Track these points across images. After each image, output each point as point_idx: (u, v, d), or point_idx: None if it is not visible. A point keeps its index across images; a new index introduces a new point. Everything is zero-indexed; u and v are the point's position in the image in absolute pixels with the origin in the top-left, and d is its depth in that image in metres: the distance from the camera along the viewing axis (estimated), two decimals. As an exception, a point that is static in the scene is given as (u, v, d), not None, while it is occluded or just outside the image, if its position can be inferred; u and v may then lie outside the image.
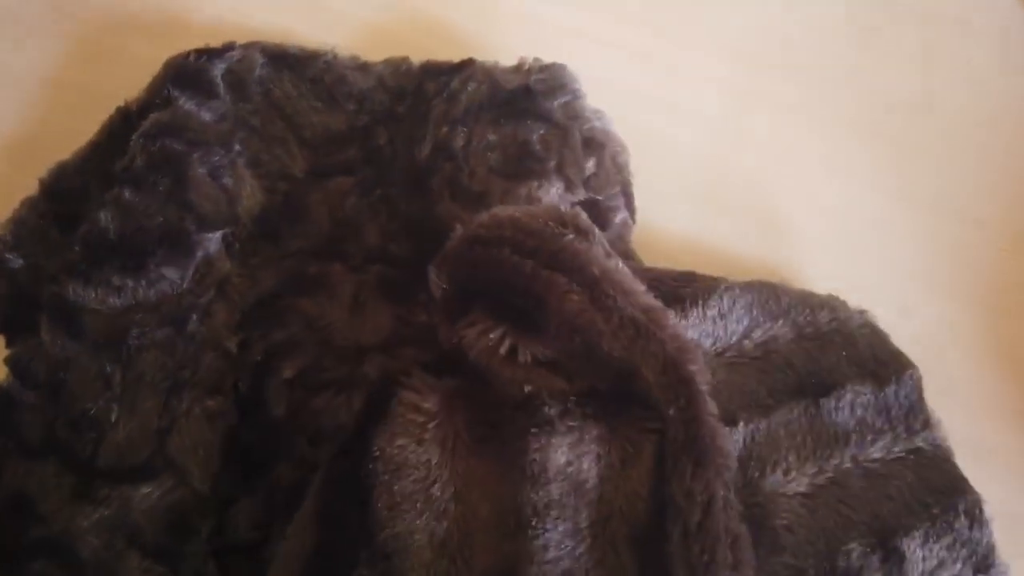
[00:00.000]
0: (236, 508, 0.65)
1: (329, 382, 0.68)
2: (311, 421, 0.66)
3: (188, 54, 0.71)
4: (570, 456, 0.52)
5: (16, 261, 0.70)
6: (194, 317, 0.66)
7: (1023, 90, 0.79)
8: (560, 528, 0.52)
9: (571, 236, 0.54)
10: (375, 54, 0.76)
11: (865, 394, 0.62)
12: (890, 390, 0.63)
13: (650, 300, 0.53)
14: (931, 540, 0.58)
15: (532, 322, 0.55)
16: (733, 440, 0.54)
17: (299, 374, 0.68)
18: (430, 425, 0.54)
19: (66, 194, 0.71)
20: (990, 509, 0.60)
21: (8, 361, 0.66)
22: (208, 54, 0.71)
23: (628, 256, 0.68)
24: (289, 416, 0.67)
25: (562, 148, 0.67)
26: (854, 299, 0.68)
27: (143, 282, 0.65)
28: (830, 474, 0.59)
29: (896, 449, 0.61)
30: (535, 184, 0.66)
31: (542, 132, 0.68)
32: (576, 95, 0.69)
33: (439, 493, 0.53)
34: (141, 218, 0.66)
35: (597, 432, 0.52)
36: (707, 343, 0.63)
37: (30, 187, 0.72)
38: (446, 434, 0.54)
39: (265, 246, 0.71)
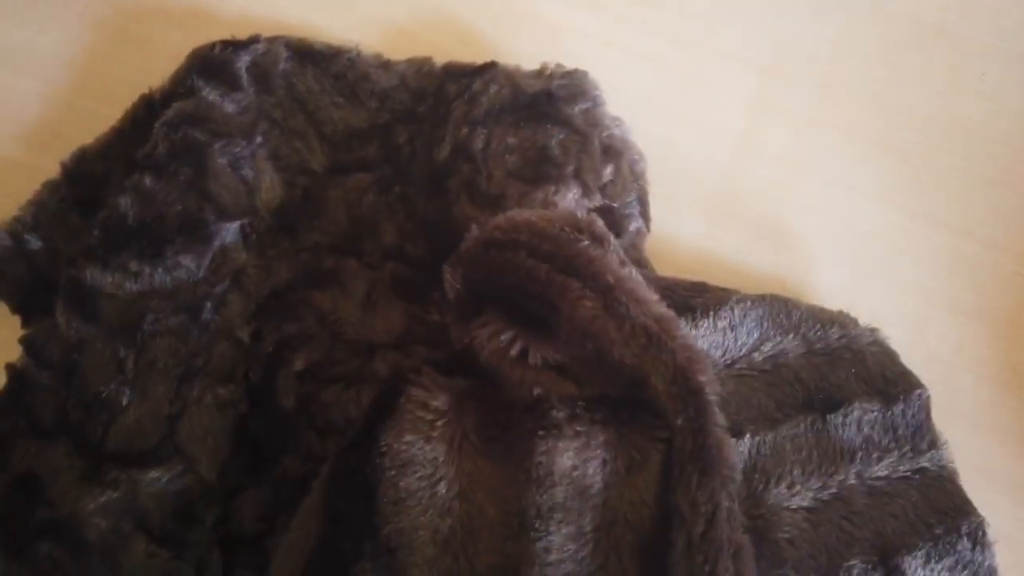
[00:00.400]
0: (242, 498, 0.66)
1: (339, 376, 0.68)
2: (320, 414, 0.67)
3: (213, 45, 0.72)
4: (576, 460, 0.52)
5: (35, 243, 0.71)
6: (209, 306, 0.67)
7: (1044, 114, 0.79)
8: (563, 531, 0.52)
9: (586, 242, 0.55)
10: (398, 54, 0.77)
11: (873, 412, 0.62)
12: (898, 408, 0.63)
13: (662, 309, 0.53)
14: (933, 560, 0.58)
15: (544, 326, 0.55)
16: (739, 452, 0.55)
17: (309, 367, 0.68)
18: (439, 423, 0.54)
19: (87, 179, 0.72)
20: (993, 532, 0.60)
21: (23, 341, 0.67)
22: (233, 46, 0.72)
23: (641, 264, 0.68)
24: (298, 409, 0.68)
25: (581, 154, 0.68)
26: (865, 317, 0.68)
27: (160, 269, 0.66)
28: (834, 490, 0.59)
29: (901, 468, 0.61)
30: (552, 189, 0.66)
31: (561, 137, 0.68)
32: (596, 102, 0.69)
33: (444, 491, 0.54)
34: (161, 205, 0.67)
35: (604, 438, 0.52)
36: (717, 354, 0.63)
37: (51, 171, 0.73)
38: (454, 433, 0.54)
39: (282, 239, 0.72)
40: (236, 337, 0.68)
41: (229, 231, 0.69)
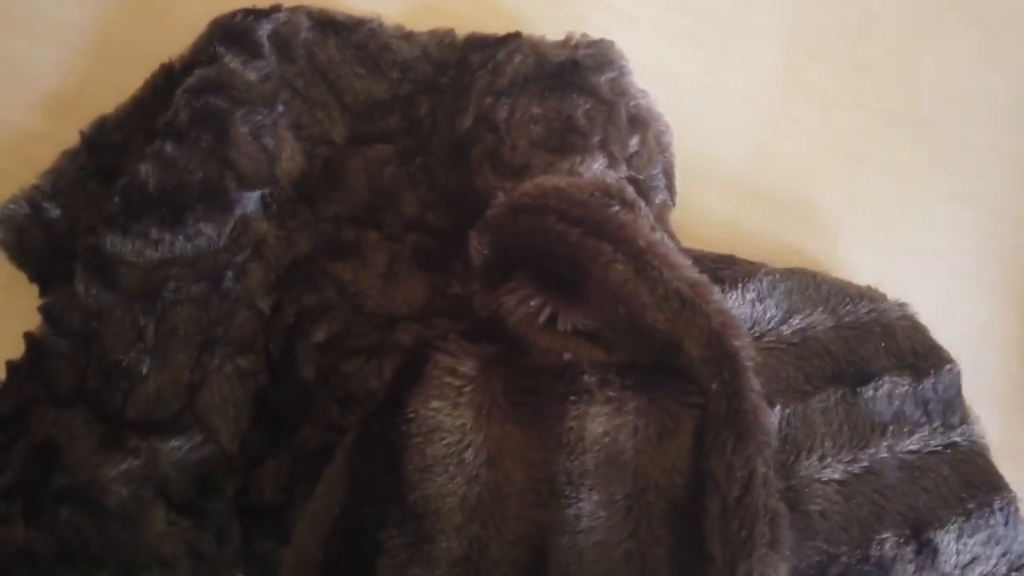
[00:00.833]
0: (261, 469, 0.65)
1: (360, 348, 0.67)
2: (341, 386, 0.66)
3: (235, 13, 0.71)
4: (607, 426, 0.51)
5: (53, 211, 0.70)
6: (230, 275, 0.66)
7: (1076, 92, 0.78)
8: (594, 498, 0.51)
9: (617, 207, 0.54)
10: (419, 26, 0.76)
11: (903, 385, 0.62)
12: (928, 383, 0.62)
13: (695, 274, 0.52)
14: (966, 535, 0.57)
15: (573, 291, 0.54)
16: (774, 418, 0.54)
17: (330, 339, 0.68)
18: (466, 389, 0.54)
19: (107, 147, 0.72)
20: (1024, 509, 0.60)
21: (42, 309, 0.66)
22: (255, 14, 0.71)
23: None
24: (319, 380, 0.67)
25: (607, 124, 0.67)
26: (893, 295, 0.67)
27: (180, 237, 0.65)
28: (865, 463, 0.59)
29: (933, 443, 0.61)
30: (578, 159, 0.65)
31: (587, 107, 0.67)
32: (623, 71, 0.68)
33: (471, 457, 0.53)
34: (181, 173, 0.66)
35: (636, 404, 0.51)
36: (745, 327, 0.62)
37: (71, 140, 0.72)
38: (482, 399, 0.53)
39: (302, 209, 0.71)
40: (257, 307, 0.67)
41: (250, 200, 0.68)
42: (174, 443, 0.61)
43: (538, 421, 0.52)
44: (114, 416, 0.63)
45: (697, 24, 0.78)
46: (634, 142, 0.68)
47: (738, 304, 0.61)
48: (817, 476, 0.57)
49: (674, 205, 0.70)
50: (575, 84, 0.68)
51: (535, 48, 0.70)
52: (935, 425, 0.61)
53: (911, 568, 0.56)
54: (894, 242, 0.73)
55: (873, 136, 0.76)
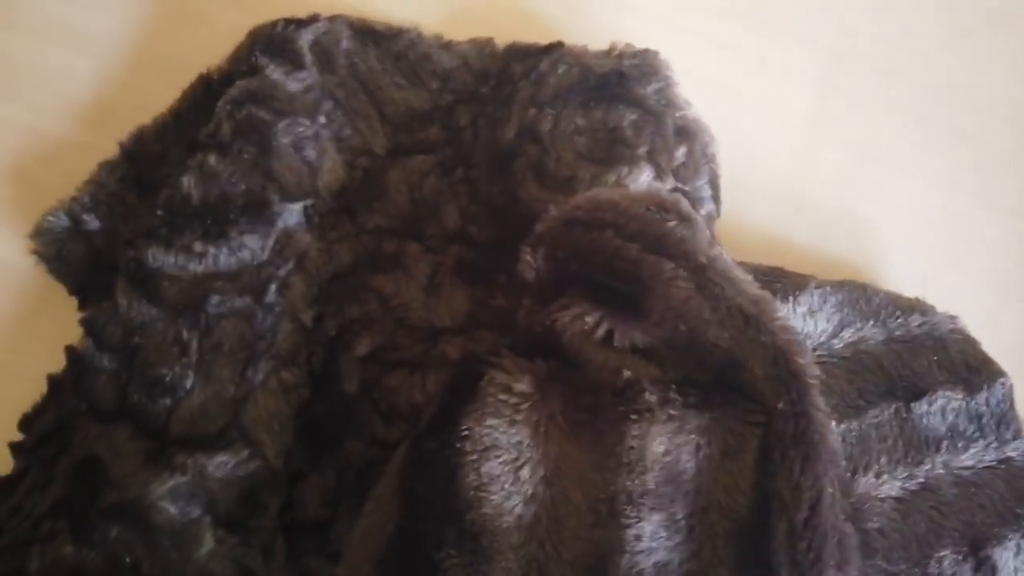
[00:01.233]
0: (304, 484, 0.64)
1: (403, 361, 0.67)
2: (385, 399, 0.66)
3: (275, 23, 0.71)
4: (669, 445, 0.51)
5: (93, 223, 0.69)
6: (273, 288, 0.65)
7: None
8: (655, 518, 0.50)
9: (674, 222, 0.53)
10: (458, 35, 0.75)
11: (956, 400, 0.61)
12: (981, 397, 0.62)
13: (758, 290, 0.51)
14: (1024, 551, 0.57)
15: (629, 307, 0.54)
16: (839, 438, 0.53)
17: (372, 352, 0.67)
18: (523, 407, 0.53)
19: (145, 159, 0.71)
20: (1079, 525, 0.59)
21: (84, 323, 0.66)
22: (295, 23, 0.70)
23: (713, 249, 0.67)
24: (361, 394, 0.66)
25: (654, 135, 0.66)
26: (938, 306, 0.66)
27: (224, 249, 0.65)
28: (922, 479, 0.58)
29: (987, 458, 0.60)
30: (624, 170, 0.65)
31: (634, 118, 0.67)
32: (669, 82, 0.68)
33: (528, 475, 0.52)
34: (224, 185, 0.65)
35: (698, 422, 0.51)
36: (799, 341, 0.62)
37: (107, 151, 0.71)
38: (539, 416, 0.53)
39: (343, 221, 0.70)
40: (300, 320, 0.67)
41: (292, 213, 0.67)
42: (220, 459, 0.61)
43: (597, 440, 0.51)
44: (158, 432, 0.62)
45: (738, 32, 0.77)
46: (680, 153, 0.67)
47: (790, 318, 0.61)
48: (874, 493, 0.57)
49: (719, 216, 0.70)
50: (620, 95, 0.67)
51: (578, 58, 0.69)
52: (989, 440, 0.60)
53: (970, 586, 0.55)
54: (938, 253, 0.72)
55: (916, 145, 0.75)
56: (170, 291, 0.64)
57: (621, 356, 0.53)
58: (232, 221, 0.65)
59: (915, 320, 0.63)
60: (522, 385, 0.54)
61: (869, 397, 0.61)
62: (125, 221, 0.70)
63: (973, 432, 0.60)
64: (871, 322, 0.63)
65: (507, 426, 0.53)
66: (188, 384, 0.63)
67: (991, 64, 0.77)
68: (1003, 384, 0.62)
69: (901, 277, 0.71)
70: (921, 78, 0.77)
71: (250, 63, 0.68)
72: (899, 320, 0.63)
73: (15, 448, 0.65)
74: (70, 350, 0.66)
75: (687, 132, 0.67)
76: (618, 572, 0.50)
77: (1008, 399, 0.62)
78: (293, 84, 0.68)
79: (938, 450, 0.59)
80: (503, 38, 0.74)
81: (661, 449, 0.51)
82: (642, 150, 0.66)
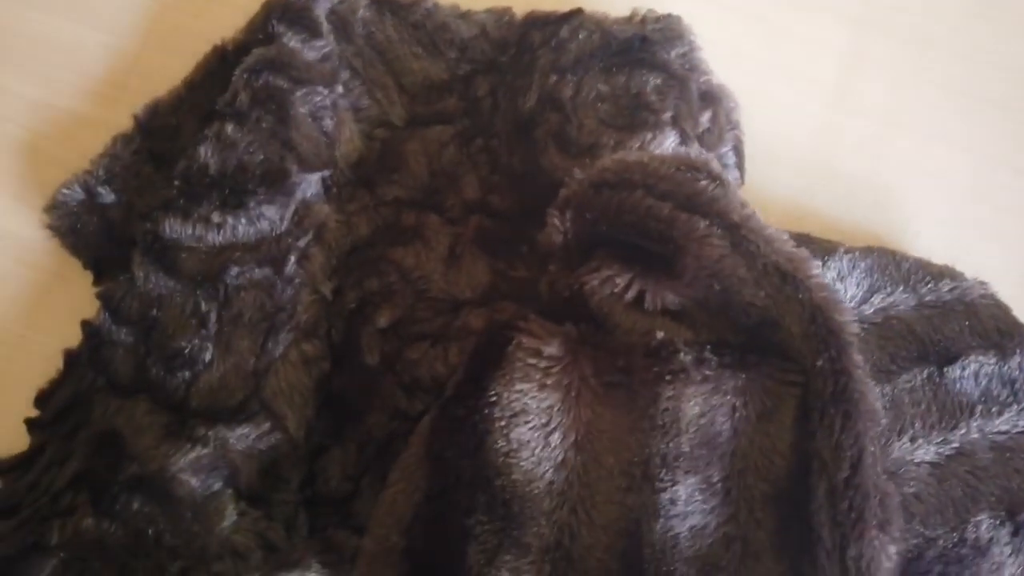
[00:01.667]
0: (327, 458, 0.64)
1: (424, 333, 0.66)
2: (406, 371, 0.64)
3: (291, -8, 0.70)
4: (704, 407, 0.50)
5: (108, 196, 0.68)
6: (292, 259, 0.64)
7: None
8: (690, 482, 0.49)
9: (705, 181, 0.52)
10: (475, 4, 0.74)
11: (989, 365, 0.60)
12: (1014, 362, 0.60)
13: (793, 248, 0.50)
14: (1062, 516, 0.56)
15: (661, 269, 0.53)
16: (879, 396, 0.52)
17: (393, 324, 0.66)
18: (553, 370, 0.52)
19: (160, 132, 0.70)
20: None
21: (100, 296, 0.65)
22: (312, -7, 0.70)
23: (738, 216, 0.66)
24: (383, 366, 0.65)
25: (678, 100, 0.65)
26: (967, 274, 0.65)
27: (243, 220, 0.63)
28: (956, 444, 0.57)
29: (1021, 423, 0.59)
30: (648, 136, 0.64)
31: (658, 83, 0.65)
32: (693, 46, 0.67)
33: (559, 440, 0.51)
34: (242, 155, 0.64)
35: (734, 383, 0.50)
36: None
37: (120, 125, 0.70)
38: (570, 380, 0.52)
39: (361, 193, 0.69)
40: (319, 293, 0.66)
41: (310, 184, 0.66)
42: (242, 431, 0.60)
43: (631, 402, 0.50)
44: (177, 405, 0.61)
45: (762, 2, 0.76)
46: (705, 118, 0.66)
47: (822, 280, 0.60)
48: (909, 458, 0.56)
49: (743, 183, 0.69)
50: (644, 60, 0.66)
51: (599, 24, 0.68)
52: (1023, 405, 0.60)
53: (1008, 550, 0.54)
54: (966, 220, 0.71)
55: (941, 113, 0.74)
56: (188, 263, 0.63)
57: (652, 319, 0.52)
58: (250, 191, 0.64)
59: (945, 285, 0.62)
60: (552, 348, 0.53)
61: (901, 362, 0.60)
62: (140, 194, 0.69)
63: (1007, 397, 0.59)
64: (901, 287, 0.62)
65: (537, 390, 0.52)
66: (207, 356, 0.62)
67: (1018, 31, 0.76)
68: (1036, 349, 0.61)
69: (928, 245, 0.70)
70: (947, 46, 0.76)
71: (266, 32, 0.67)
72: (929, 286, 0.62)
73: (31, 424, 0.64)
74: (86, 324, 0.64)
75: (712, 97, 0.66)
76: (653, 537, 0.49)
77: (1042, 364, 0.61)
78: (310, 52, 0.67)
79: (972, 415, 0.58)
80: (520, 7, 0.74)
81: (696, 411, 0.50)
82: (667, 115, 0.65)
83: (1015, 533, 0.55)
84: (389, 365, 0.66)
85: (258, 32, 0.69)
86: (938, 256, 0.68)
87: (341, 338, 0.66)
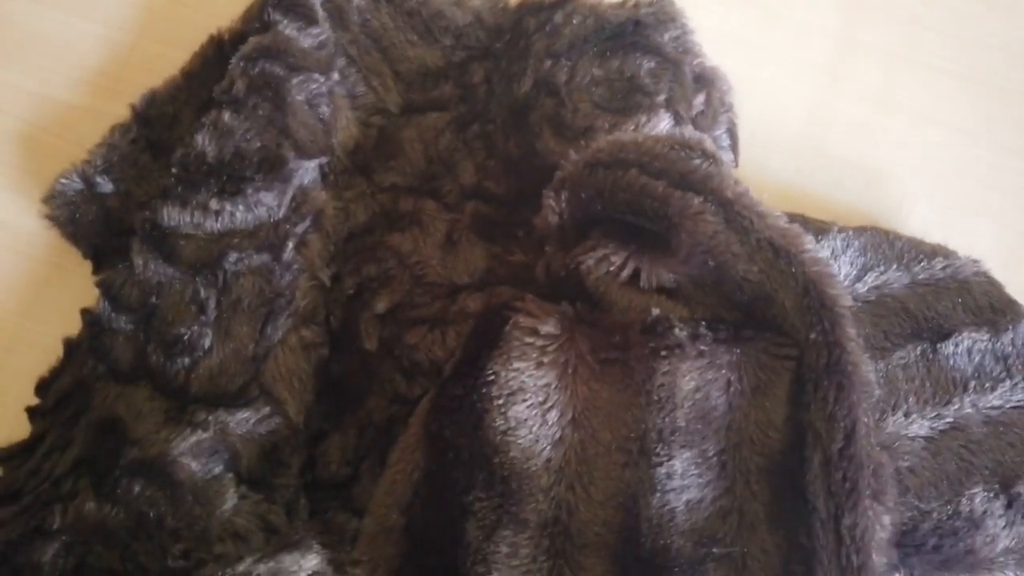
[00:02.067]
0: (327, 443, 0.64)
1: (422, 318, 0.66)
2: (405, 356, 0.65)
3: (287, -19, 0.70)
4: (699, 381, 0.50)
5: (106, 185, 0.68)
6: (290, 245, 0.65)
7: None
8: (685, 456, 0.50)
9: (698, 159, 0.53)
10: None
11: (983, 341, 0.61)
12: (1007, 338, 0.61)
13: (786, 223, 0.51)
14: (1055, 489, 0.56)
15: (656, 246, 0.53)
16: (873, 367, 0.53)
17: (391, 309, 0.67)
18: (550, 348, 0.52)
19: (158, 121, 0.70)
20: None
21: (100, 285, 0.65)
22: (307, -19, 0.70)
23: (732, 198, 0.66)
24: (382, 351, 0.66)
25: (672, 83, 0.65)
26: (960, 251, 0.66)
27: (241, 207, 0.64)
28: (950, 419, 0.58)
29: (1015, 398, 0.60)
30: (643, 119, 0.64)
31: (651, 66, 0.66)
32: (686, 29, 0.67)
33: (556, 418, 0.52)
34: (239, 142, 0.64)
35: (728, 358, 0.50)
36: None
37: (118, 116, 0.71)
38: (567, 357, 0.52)
39: (358, 180, 0.70)
40: (318, 279, 0.66)
41: (308, 171, 0.67)
42: (242, 416, 0.60)
43: (627, 378, 0.51)
44: (177, 391, 0.62)
45: (753, -15, 0.76)
46: (699, 101, 0.66)
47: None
48: (903, 432, 0.56)
49: (737, 166, 0.69)
50: (638, 43, 0.67)
51: (593, 9, 0.69)
52: (1016, 380, 0.60)
53: (1001, 523, 0.55)
54: (958, 200, 0.72)
55: (933, 94, 0.74)
56: (187, 250, 0.64)
57: (648, 296, 0.53)
58: (248, 178, 0.64)
59: (938, 263, 0.63)
60: (548, 327, 0.53)
61: (895, 339, 0.60)
62: (139, 183, 0.69)
63: (1000, 372, 0.60)
64: (894, 265, 0.63)
65: (534, 368, 0.52)
66: (207, 343, 0.62)
67: (1009, 12, 0.77)
68: (1028, 325, 0.62)
69: (921, 225, 0.71)
70: (938, 27, 0.76)
71: (263, 20, 0.68)
72: (922, 263, 0.63)
73: (32, 412, 0.65)
74: (86, 312, 0.65)
75: (705, 80, 0.67)
76: (650, 511, 0.50)
77: (1034, 340, 0.62)
78: (306, 40, 0.67)
79: (966, 390, 0.59)
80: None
81: (691, 385, 0.50)
82: (660, 98, 0.65)
83: (1009, 505, 0.55)
84: (388, 350, 0.66)
85: (255, 21, 0.70)
86: (931, 235, 0.68)
87: (339, 324, 0.67)
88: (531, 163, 0.68)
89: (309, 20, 0.68)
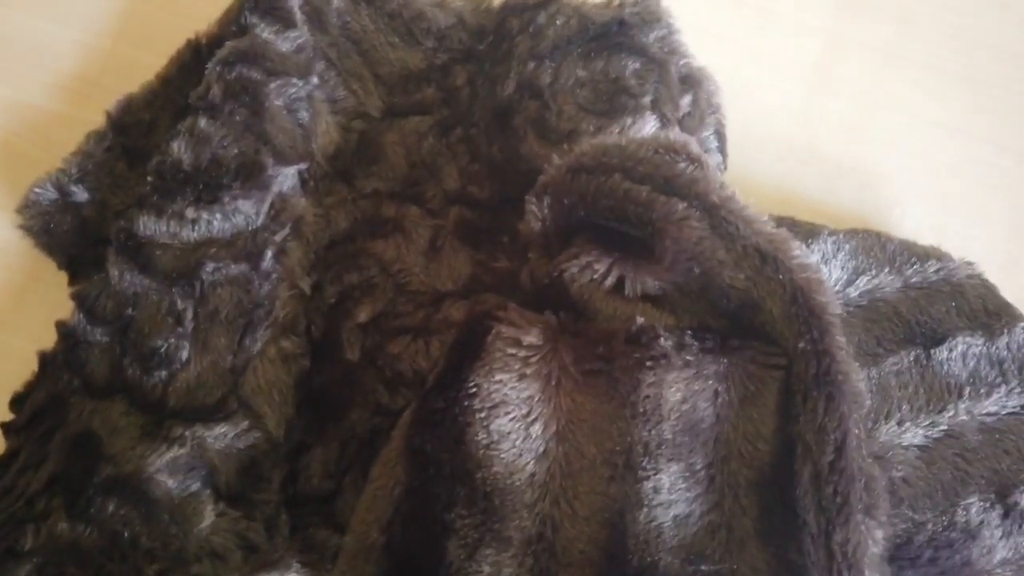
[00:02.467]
0: (308, 456, 0.62)
1: (405, 327, 0.65)
2: (388, 366, 0.64)
3: (264, -17, 0.69)
4: (686, 393, 0.49)
5: (81, 194, 0.67)
6: (269, 254, 0.63)
7: None
8: (672, 469, 0.48)
9: (683, 163, 0.51)
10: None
11: (977, 345, 0.59)
12: (1002, 342, 0.60)
13: (773, 228, 0.50)
14: (1053, 497, 0.55)
15: (639, 254, 0.52)
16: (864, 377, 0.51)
17: (374, 318, 0.65)
18: (532, 359, 0.51)
19: (134, 128, 0.69)
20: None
21: (75, 297, 0.63)
22: (285, -16, 0.68)
23: (721, 201, 0.65)
24: (364, 361, 0.64)
25: (658, 84, 0.64)
26: (954, 254, 0.65)
27: (218, 215, 0.62)
28: (945, 427, 0.56)
29: (1010, 404, 0.58)
30: (628, 121, 0.63)
31: (636, 67, 0.65)
32: (672, 29, 0.65)
33: (539, 431, 0.50)
34: (216, 149, 0.63)
35: (715, 368, 0.49)
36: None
37: (94, 122, 0.69)
38: (550, 369, 0.51)
39: (339, 186, 0.68)
40: (298, 288, 0.64)
41: (286, 177, 0.65)
42: (220, 430, 0.59)
43: (612, 389, 0.49)
44: (154, 405, 0.60)
45: (740, -18, 0.75)
46: (686, 102, 0.65)
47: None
48: (896, 441, 0.55)
49: (725, 168, 0.68)
50: (622, 44, 0.65)
51: (577, 10, 0.67)
52: (1012, 385, 0.58)
53: (998, 533, 0.53)
54: (952, 201, 0.71)
55: (926, 94, 0.73)
56: (163, 260, 0.62)
57: (632, 304, 0.51)
58: (225, 186, 0.62)
59: (932, 266, 0.62)
60: (531, 337, 0.52)
61: (887, 345, 0.59)
62: (114, 192, 0.68)
63: (995, 378, 0.58)
64: (886, 269, 0.61)
65: (517, 380, 0.51)
66: (184, 355, 0.61)
67: (1001, 11, 0.75)
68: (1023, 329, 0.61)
69: (914, 227, 0.70)
70: (930, 25, 0.75)
71: (240, 24, 0.66)
72: (915, 267, 0.62)
73: (6, 427, 0.63)
74: (61, 325, 0.63)
75: (692, 80, 0.65)
76: (636, 527, 0.48)
77: (1030, 344, 0.60)
78: (284, 43, 0.66)
79: (960, 396, 0.57)
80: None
81: (678, 397, 0.49)
82: (646, 99, 0.64)
83: (1005, 515, 0.54)
84: (370, 360, 0.65)
85: (232, 25, 0.68)
86: (924, 237, 0.67)
87: (321, 334, 0.65)
88: (515, 167, 0.66)
89: (287, 23, 0.66)
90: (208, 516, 0.57)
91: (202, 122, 0.63)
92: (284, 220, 0.64)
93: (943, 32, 0.75)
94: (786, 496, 0.47)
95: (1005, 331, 0.60)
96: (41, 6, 0.75)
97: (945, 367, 0.58)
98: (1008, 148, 0.72)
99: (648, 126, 0.63)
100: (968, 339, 0.59)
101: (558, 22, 0.67)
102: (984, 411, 0.57)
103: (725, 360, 0.49)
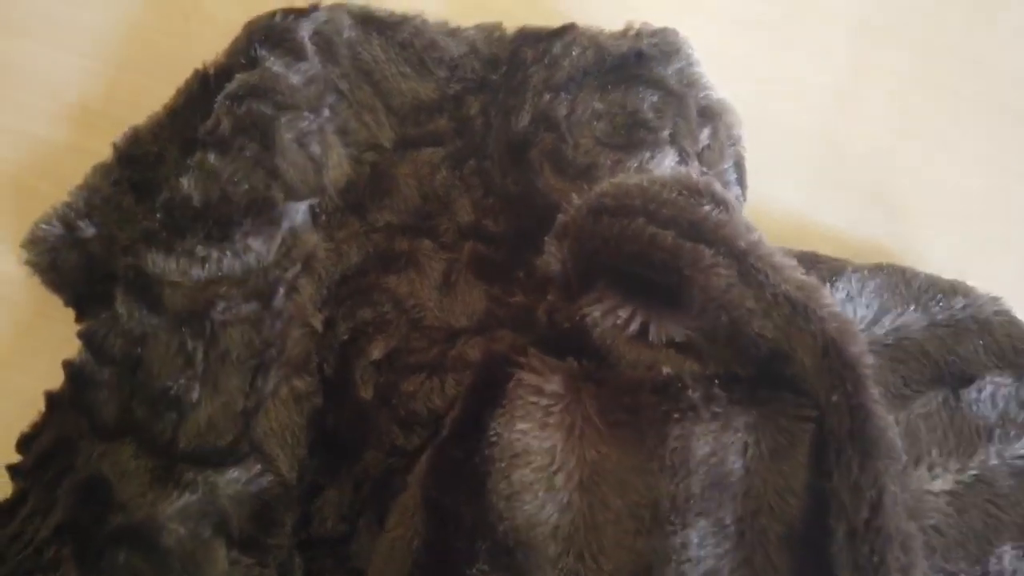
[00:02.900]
0: (322, 499, 0.61)
1: (420, 365, 0.63)
2: (402, 405, 0.62)
3: (273, 14, 0.67)
4: (714, 446, 0.47)
5: (88, 229, 0.65)
6: (281, 292, 0.62)
7: None
8: (701, 524, 0.47)
9: (708, 206, 0.50)
10: (463, 21, 0.72)
11: (1007, 386, 0.58)
12: (1032, 382, 0.58)
13: (803, 276, 0.48)
14: (1087, 544, 0.54)
15: (664, 299, 0.51)
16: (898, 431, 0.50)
17: (387, 356, 0.64)
18: (555, 409, 0.50)
19: (141, 160, 0.67)
20: None
21: (82, 335, 0.62)
22: (294, 14, 0.67)
23: (741, 235, 0.63)
24: (378, 400, 0.63)
25: (676, 117, 0.63)
26: (979, 287, 0.63)
27: (228, 253, 0.61)
28: (975, 471, 0.55)
29: (1042, 446, 0.57)
30: (647, 155, 0.62)
31: (655, 100, 0.63)
32: (690, 61, 0.64)
33: (563, 482, 0.49)
34: (226, 185, 0.61)
35: (745, 420, 0.47)
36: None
37: (99, 153, 0.68)
38: (573, 419, 0.49)
39: (351, 220, 0.67)
40: (310, 325, 0.63)
41: (298, 212, 0.64)
42: (232, 475, 0.57)
43: (638, 442, 0.48)
44: (164, 448, 0.59)
45: (762, 9, 0.73)
46: (705, 135, 0.64)
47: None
48: (927, 488, 0.54)
49: (745, 200, 0.67)
50: (640, 76, 0.64)
51: (593, 40, 0.66)
52: (1042, 427, 0.58)
53: (1032, 582, 0.52)
54: (977, 232, 0.69)
55: (950, 122, 0.72)
56: (172, 298, 0.61)
57: (657, 351, 0.50)
58: (236, 223, 0.61)
59: (958, 303, 0.60)
60: (553, 385, 0.50)
61: (915, 386, 0.58)
62: (122, 226, 0.66)
63: (1025, 419, 0.57)
64: (912, 307, 0.60)
65: (539, 430, 0.50)
66: (194, 396, 0.59)
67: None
68: (1054, 367, 0.59)
69: (938, 259, 0.68)
70: (955, 52, 0.73)
71: (249, 56, 0.65)
72: (941, 303, 0.60)
73: (13, 470, 0.61)
74: (68, 365, 0.62)
75: (711, 113, 0.64)
76: (664, 583, 0.47)
77: (1060, 383, 0.59)
78: (295, 76, 0.64)
79: (990, 439, 0.56)
80: (510, 23, 0.71)
81: (706, 450, 0.47)
82: (665, 133, 0.63)
83: (1040, 564, 0.53)
84: (384, 399, 0.63)
85: (240, 56, 0.67)
86: (949, 270, 0.66)
87: (333, 372, 0.64)
88: (531, 201, 0.65)
89: (298, 55, 0.65)
90: (220, 564, 0.56)
91: (211, 157, 0.62)
92: (295, 257, 0.63)
93: (969, 59, 0.73)
94: (819, 553, 0.45)
95: (1034, 370, 0.59)
96: (43, 32, 0.73)
97: (974, 408, 0.57)
98: (1030, 177, 0.71)
99: (667, 160, 0.62)
100: (997, 379, 0.58)
101: (574, 52, 0.66)
102: (1015, 454, 0.56)
103: (754, 411, 0.48)
